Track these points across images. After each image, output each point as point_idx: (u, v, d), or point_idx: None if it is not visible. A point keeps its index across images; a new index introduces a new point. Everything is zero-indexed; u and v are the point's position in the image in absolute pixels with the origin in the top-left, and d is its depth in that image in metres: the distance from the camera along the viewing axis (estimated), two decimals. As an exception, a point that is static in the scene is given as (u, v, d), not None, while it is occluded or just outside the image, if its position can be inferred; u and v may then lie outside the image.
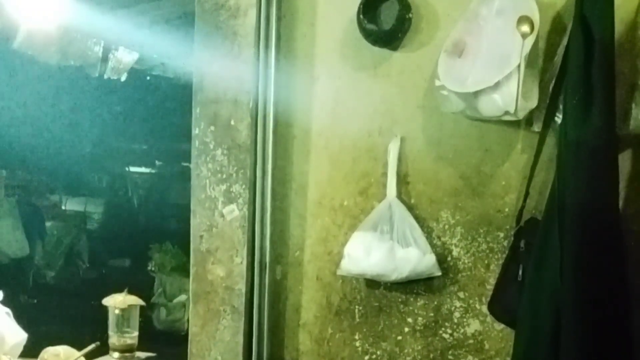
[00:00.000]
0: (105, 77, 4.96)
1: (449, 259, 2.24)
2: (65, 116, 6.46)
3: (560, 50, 2.02)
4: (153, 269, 6.23)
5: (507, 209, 2.18)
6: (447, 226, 2.24)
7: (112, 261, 7.54)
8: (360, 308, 2.33)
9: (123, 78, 5.12)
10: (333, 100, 2.32)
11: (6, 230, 5.78)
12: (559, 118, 2.01)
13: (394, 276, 2.19)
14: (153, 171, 8.68)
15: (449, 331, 2.25)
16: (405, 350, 2.29)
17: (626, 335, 1.88)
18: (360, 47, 2.28)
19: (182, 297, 5.76)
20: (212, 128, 2.38)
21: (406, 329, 2.29)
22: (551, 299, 1.89)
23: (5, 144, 6.21)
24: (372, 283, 2.30)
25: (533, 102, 2.01)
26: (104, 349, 2.59)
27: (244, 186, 2.35)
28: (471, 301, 2.23)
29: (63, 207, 7.74)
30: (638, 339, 1.89)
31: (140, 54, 5.01)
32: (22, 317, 2.67)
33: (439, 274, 2.21)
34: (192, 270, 2.45)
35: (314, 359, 2.38)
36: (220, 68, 2.37)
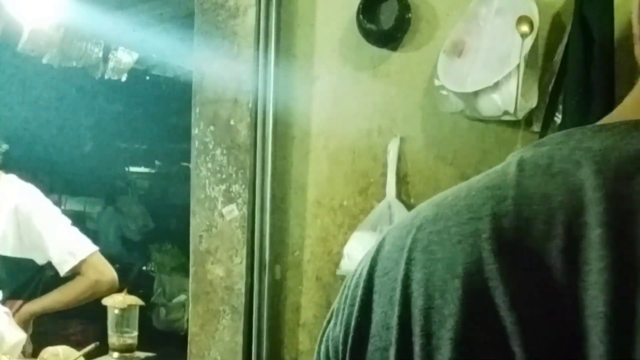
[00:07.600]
0: (106, 77, 4.96)
1: (448, 259, 2.23)
2: (66, 116, 6.47)
3: (560, 50, 2.02)
4: (152, 268, 6.24)
5: (506, 209, 2.17)
6: (446, 226, 2.23)
7: (112, 261, 7.53)
8: (360, 308, 2.33)
9: (123, 78, 5.13)
10: (332, 100, 2.32)
11: (137, 212, 7.79)
12: (558, 118, 2.00)
13: (394, 276, 2.18)
14: (153, 171, 8.69)
15: (449, 331, 2.25)
16: (405, 350, 2.29)
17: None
18: (360, 47, 2.27)
19: (182, 297, 5.77)
20: (212, 128, 2.38)
21: (406, 329, 2.29)
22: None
23: (7, 143, 6.21)
24: (371, 283, 2.30)
25: (532, 102, 2.01)
26: (104, 348, 2.60)
27: (243, 186, 2.35)
28: (471, 301, 2.22)
29: (62, 207, 7.74)
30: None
31: (139, 54, 5.01)
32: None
33: (439, 274, 2.20)
34: (191, 270, 2.44)
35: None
36: (220, 68, 2.36)
